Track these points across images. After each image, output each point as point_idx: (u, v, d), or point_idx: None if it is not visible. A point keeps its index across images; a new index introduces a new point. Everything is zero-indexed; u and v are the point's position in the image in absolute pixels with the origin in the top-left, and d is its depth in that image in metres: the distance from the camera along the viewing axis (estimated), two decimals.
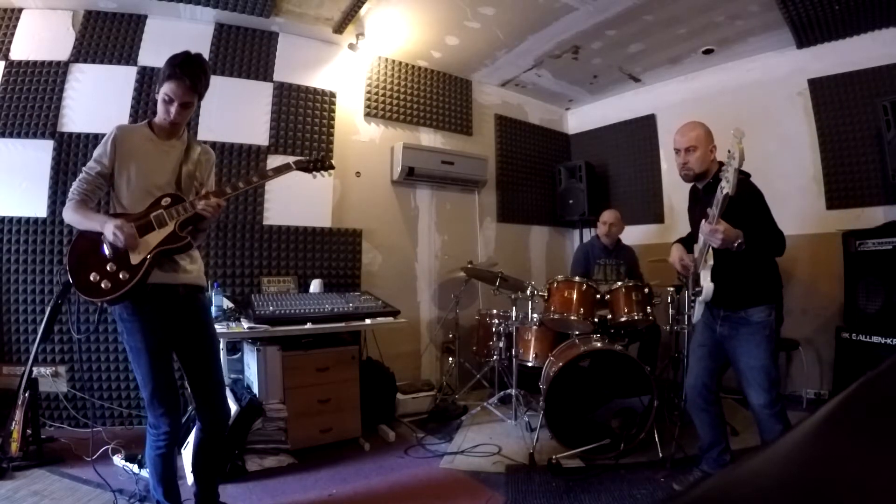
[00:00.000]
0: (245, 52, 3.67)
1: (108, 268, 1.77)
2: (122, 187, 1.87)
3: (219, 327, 2.68)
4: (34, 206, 3.15)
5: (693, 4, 3.40)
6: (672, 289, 3.12)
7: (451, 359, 4.11)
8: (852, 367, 3.17)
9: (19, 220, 3.13)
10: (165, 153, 1.93)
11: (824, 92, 3.73)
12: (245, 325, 2.83)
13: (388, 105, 4.25)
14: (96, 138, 1.88)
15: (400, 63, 4.32)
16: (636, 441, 2.75)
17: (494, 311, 3.77)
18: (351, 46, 3.98)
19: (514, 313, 3.48)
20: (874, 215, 3.47)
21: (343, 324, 3.02)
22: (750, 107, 4.02)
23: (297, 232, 3.75)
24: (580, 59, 4.30)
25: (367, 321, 3.10)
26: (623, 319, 3.07)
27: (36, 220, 3.15)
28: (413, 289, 4.33)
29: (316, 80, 3.91)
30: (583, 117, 5.48)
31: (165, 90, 1.84)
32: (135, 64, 3.39)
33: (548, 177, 5.20)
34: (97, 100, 3.30)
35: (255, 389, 2.79)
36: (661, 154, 4.72)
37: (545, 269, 5.14)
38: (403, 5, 3.49)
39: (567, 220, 5.10)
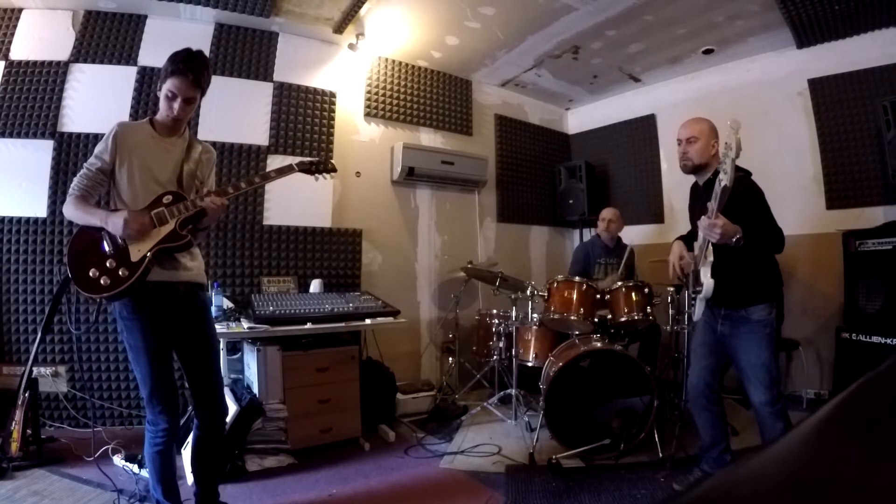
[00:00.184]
0: (245, 52, 3.67)
1: (107, 264, 1.77)
2: (123, 184, 1.87)
3: (219, 327, 2.68)
4: (34, 206, 3.15)
5: (693, 4, 3.40)
6: (672, 289, 3.12)
7: (451, 359, 4.11)
8: (852, 367, 3.17)
9: (19, 220, 3.13)
10: (167, 150, 1.93)
11: (824, 92, 3.73)
12: (245, 325, 2.83)
13: (388, 105, 4.25)
14: (96, 138, 1.88)
15: (400, 63, 4.32)
16: (636, 441, 2.74)
17: (494, 311, 3.77)
18: (351, 46, 3.98)
19: (514, 313, 3.48)
20: (874, 215, 3.47)
21: (343, 324, 3.02)
22: (750, 107, 4.01)
23: (297, 232, 3.75)
24: (580, 59, 4.30)
25: (367, 321, 3.10)
26: (623, 319, 3.08)
27: (36, 220, 3.15)
28: (413, 289, 4.33)
29: (316, 80, 3.91)
30: (583, 117, 5.48)
31: (168, 86, 1.84)
32: (135, 64, 3.39)
33: (548, 177, 5.20)
34: (97, 100, 3.30)
35: (255, 389, 2.79)
36: (662, 154, 4.72)
37: (545, 269, 5.14)
38: (403, 5, 3.49)
39: (567, 220, 5.10)
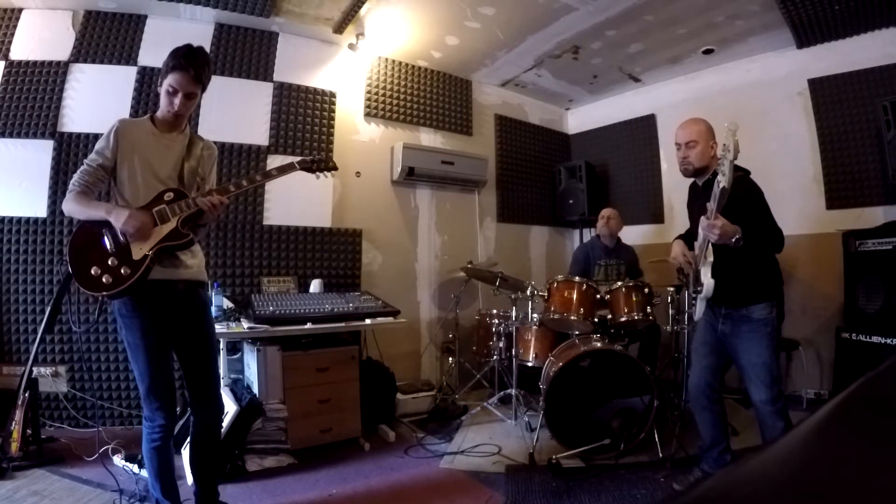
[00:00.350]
0: (245, 52, 3.67)
1: (109, 262, 1.77)
2: (124, 180, 1.86)
3: (219, 327, 2.68)
4: (34, 206, 3.16)
5: (693, 4, 3.40)
6: (672, 289, 3.12)
7: (451, 359, 4.11)
8: (852, 367, 3.17)
9: (19, 220, 3.13)
10: (167, 147, 1.93)
11: (824, 92, 3.73)
12: (245, 325, 2.83)
13: (388, 105, 4.25)
14: (96, 138, 1.87)
15: (400, 63, 4.32)
16: (636, 441, 2.74)
17: (494, 311, 3.77)
18: (351, 46, 3.98)
19: (514, 313, 3.48)
20: (874, 215, 3.47)
21: (343, 324, 3.02)
22: (750, 107, 4.02)
23: (297, 232, 3.75)
24: (580, 59, 4.30)
25: (367, 321, 3.10)
26: (623, 319, 3.07)
27: (36, 220, 3.15)
28: (413, 289, 4.33)
29: (316, 80, 3.91)
30: (583, 117, 5.48)
31: (169, 81, 1.84)
32: (135, 64, 3.39)
33: (548, 177, 5.20)
34: (97, 100, 3.30)
35: (255, 389, 2.79)
36: (661, 154, 4.72)
37: (545, 269, 5.14)
38: (403, 5, 3.49)
39: (567, 220, 5.10)
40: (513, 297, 3.54)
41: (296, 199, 3.71)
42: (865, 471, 0.36)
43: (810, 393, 3.60)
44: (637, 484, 2.44)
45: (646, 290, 3.10)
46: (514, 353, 3.40)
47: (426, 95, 4.46)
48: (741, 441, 2.82)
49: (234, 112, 3.60)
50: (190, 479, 2.17)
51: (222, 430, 2.24)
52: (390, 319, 3.17)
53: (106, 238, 1.78)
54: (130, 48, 3.40)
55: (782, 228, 2.13)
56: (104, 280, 1.75)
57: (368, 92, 4.16)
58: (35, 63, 3.24)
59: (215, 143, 2.14)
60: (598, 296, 3.15)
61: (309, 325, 2.88)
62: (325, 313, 3.00)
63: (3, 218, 3.12)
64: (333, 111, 3.96)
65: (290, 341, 2.88)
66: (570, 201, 4.94)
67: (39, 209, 3.16)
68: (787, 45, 3.83)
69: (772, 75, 4.01)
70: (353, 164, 4.07)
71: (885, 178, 3.37)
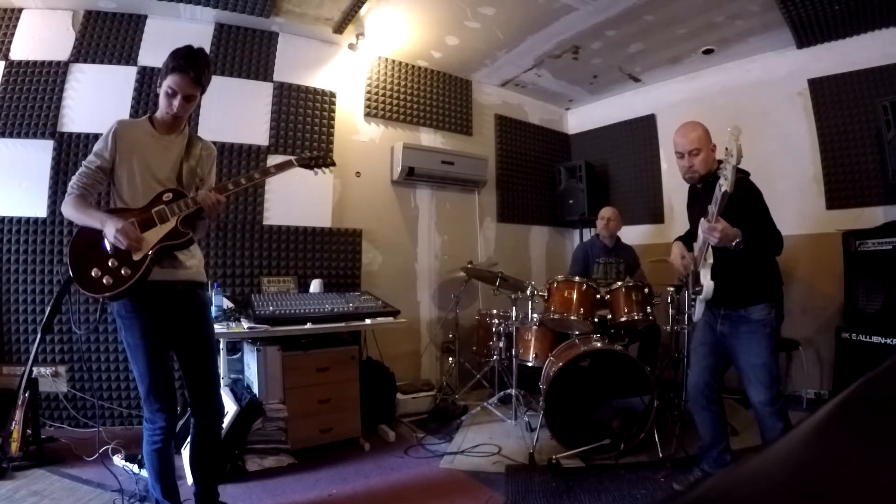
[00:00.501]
0: (245, 52, 3.67)
1: (109, 263, 1.76)
2: (123, 182, 1.86)
3: (219, 327, 2.68)
4: (34, 206, 3.16)
5: (693, 4, 3.40)
6: (672, 289, 3.12)
7: (451, 359, 4.11)
8: (852, 367, 3.17)
9: (19, 220, 3.13)
10: (166, 148, 1.93)
11: (824, 92, 3.73)
12: (245, 325, 2.83)
13: (388, 105, 4.25)
14: (96, 138, 1.87)
15: (400, 63, 4.32)
16: (636, 441, 2.74)
17: (494, 311, 3.77)
18: (351, 46, 3.98)
19: (514, 313, 3.48)
20: (874, 215, 3.47)
21: (343, 324, 3.02)
22: (750, 107, 4.02)
23: (297, 232, 3.75)
24: (580, 59, 4.30)
25: (367, 321, 3.10)
26: (623, 319, 3.07)
27: (36, 220, 3.15)
28: (413, 289, 4.33)
29: (316, 80, 3.91)
30: (583, 117, 5.48)
31: (169, 83, 1.84)
32: (135, 64, 3.39)
33: (548, 177, 5.20)
34: (97, 100, 3.30)
35: (255, 389, 2.79)
36: (661, 154, 4.72)
37: (545, 269, 5.14)
38: (403, 5, 3.49)
39: (567, 220, 5.10)
40: (513, 297, 3.54)
41: (296, 199, 3.71)
42: (865, 471, 0.36)
43: (810, 393, 3.60)
44: (637, 484, 2.44)
45: (646, 290, 3.10)
46: (514, 353, 3.40)
47: (426, 95, 4.46)
48: (741, 441, 2.82)
49: (234, 112, 3.60)
50: (190, 480, 2.17)
51: (222, 430, 2.24)
52: (390, 319, 3.17)
53: (105, 240, 1.78)
54: (130, 48, 3.40)
55: (782, 229, 2.13)
56: (105, 281, 1.75)
57: (368, 92, 4.16)
58: (35, 63, 3.24)
59: (215, 143, 2.14)
60: (598, 296, 3.15)
61: (309, 325, 2.88)
62: (325, 313, 3.00)
63: (3, 218, 3.12)
64: (333, 111, 3.96)
65: (290, 341, 2.88)
66: (570, 201, 4.94)
67: (39, 209, 3.16)
68: (787, 45, 3.83)
69: (772, 75, 4.01)
70: (353, 164, 4.07)
71: (885, 178, 3.37)
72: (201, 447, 2.05)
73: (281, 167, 2.06)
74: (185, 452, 2.50)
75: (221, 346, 2.83)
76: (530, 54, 4.26)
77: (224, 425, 2.37)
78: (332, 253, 3.87)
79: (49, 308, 2.64)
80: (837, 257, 3.45)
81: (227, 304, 3.04)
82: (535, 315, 3.38)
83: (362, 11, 3.52)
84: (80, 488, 2.33)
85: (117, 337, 3.08)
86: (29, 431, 2.55)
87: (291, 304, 3.03)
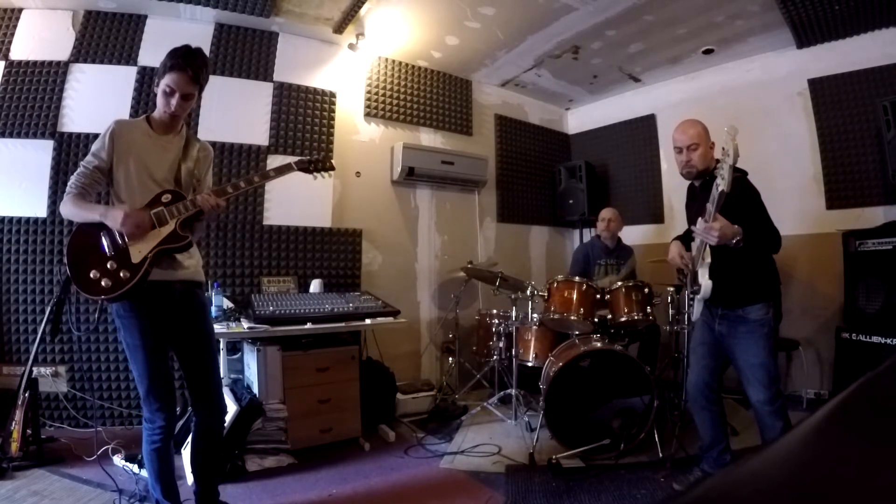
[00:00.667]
0: (245, 52, 3.67)
1: (108, 265, 1.76)
2: (121, 182, 1.86)
3: (219, 327, 2.68)
4: (34, 206, 3.16)
5: (693, 4, 3.40)
6: (672, 289, 3.12)
7: (451, 359, 4.11)
8: (852, 367, 3.17)
9: (19, 220, 3.13)
10: (163, 148, 1.93)
11: (824, 92, 3.73)
12: (245, 325, 2.83)
13: (388, 105, 4.25)
14: (96, 138, 1.88)
15: (400, 63, 4.32)
16: (636, 441, 2.74)
17: (494, 311, 3.77)
18: (351, 46, 3.98)
19: (514, 313, 3.48)
20: (874, 215, 3.47)
21: (343, 324, 3.02)
22: (750, 107, 4.02)
23: (297, 232, 3.75)
24: (580, 59, 4.30)
25: (367, 321, 3.10)
26: (623, 319, 3.07)
27: (36, 220, 3.15)
28: (413, 289, 4.33)
29: (316, 80, 3.91)
30: (583, 117, 5.48)
31: (167, 81, 1.83)
32: (135, 64, 3.39)
33: (548, 177, 5.20)
34: (97, 100, 3.30)
35: (255, 389, 2.79)
36: (661, 154, 4.72)
37: (545, 269, 5.14)
38: (403, 5, 3.49)
39: (567, 220, 5.10)
40: (513, 297, 3.54)
41: (296, 200, 3.71)
42: (865, 471, 0.36)
43: (810, 393, 3.60)
44: (637, 484, 2.44)
45: (646, 290, 3.10)
46: (514, 353, 3.40)
47: (426, 95, 4.46)
48: (741, 441, 2.82)
49: (234, 112, 3.60)
50: (190, 479, 2.17)
51: (224, 429, 2.24)
52: (390, 319, 3.17)
53: (104, 241, 1.78)
54: (130, 48, 3.40)
55: (782, 229, 2.13)
56: (104, 284, 1.75)
57: (368, 92, 4.16)
58: (35, 63, 3.24)
59: (215, 143, 2.15)
60: (598, 296, 3.15)
61: (309, 325, 2.88)
62: (325, 313, 3.00)
63: (3, 218, 3.12)
64: (333, 111, 3.96)
65: (290, 341, 2.88)
66: (570, 201, 4.94)
67: (39, 209, 3.16)
68: (787, 45, 3.83)
69: (772, 75, 4.01)
70: (353, 164, 4.07)
71: (885, 178, 3.37)
72: (202, 447, 2.05)
73: (280, 171, 2.06)
74: (185, 452, 2.50)
75: (221, 346, 2.84)
76: (530, 54, 4.26)
77: (224, 425, 2.37)
78: (332, 253, 3.87)
79: (52, 312, 2.64)
80: (837, 257, 3.45)
81: (227, 304, 3.04)
82: (535, 315, 3.38)
83: (362, 11, 3.51)
84: (80, 488, 2.34)
85: (117, 337, 3.08)
86: (29, 431, 2.55)
87: (291, 304, 3.03)
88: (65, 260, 1.83)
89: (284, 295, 3.32)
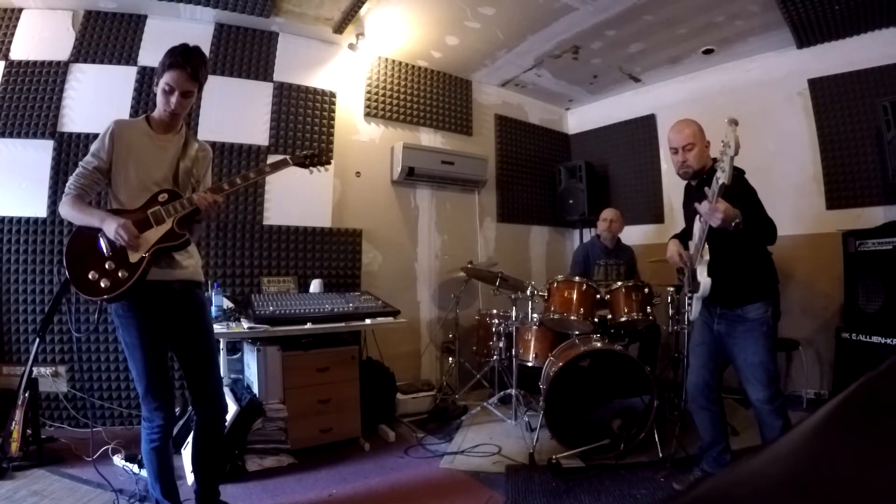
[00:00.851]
0: (245, 52, 3.67)
1: (106, 266, 1.76)
2: (120, 182, 1.86)
3: (219, 327, 2.68)
4: (34, 206, 3.16)
5: (693, 4, 3.40)
6: (672, 289, 3.12)
7: (451, 359, 4.11)
8: (852, 367, 3.17)
9: (19, 220, 3.13)
10: (162, 148, 1.93)
11: (824, 92, 3.73)
12: (245, 325, 2.83)
13: (388, 105, 4.25)
14: (96, 138, 1.88)
15: (400, 63, 4.32)
16: (636, 441, 2.74)
17: (494, 311, 3.77)
18: (351, 46, 3.98)
19: (514, 313, 3.48)
20: (874, 215, 3.47)
21: (343, 324, 3.02)
22: (750, 107, 4.01)
23: (297, 232, 3.75)
24: (580, 59, 4.30)
25: (367, 321, 3.10)
26: (623, 319, 3.07)
27: (36, 220, 3.15)
28: (413, 289, 4.33)
29: (316, 80, 3.91)
30: (583, 117, 5.48)
31: (166, 80, 1.84)
32: (135, 64, 3.39)
33: (548, 177, 5.20)
34: (97, 100, 3.30)
35: (255, 389, 2.79)
36: (661, 154, 4.72)
37: (545, 269, 5.14)
38: (403, 5, 3.49)
39: (567, 220, 5.10)
40: (513, 297, 3.54)
41: (296, 199, 3.71)
42: (865, 471, 0.36)
43: (810, 393, 3.60)
44: (637, 484, 2.44)
45: (646, 290, 3.10)
46: (514, 353, 3.40)
47: (426, 95, 4.46)
48: (741, 441, 2.82)
49: (234, 112, 3.59)
50: (190, 479, 2.17)
51: (225, 428, 2.24)
52: (390, 319, 3.17)
53: (102, 241, 1.78)
54: (130, 48, 3.40)
55: (781, 229, 2.13)
56: (102, 284, 1.75)
57: (368, 92, 4.16)
58: (35, 63, 3.24)
59: (215, 143, 2.15)
60: (598, 296, 3.15)
61: (309, 325, 2.88)
62: (325, 313, 3.00)
63: (3, 218, 3.12)
64: (333, 111, 3.96)
65: (290, 341, 2.88)
66: (570, 201, 4.95)
67: (39, 209, 3.16)
68: (787, 45, 3.83)
69: (772, 75, 4.01)
70: (353, 164, 4.07)
71: (885, 178, 3.37)
72: (203, 446, 2.05)
73: (276, 166, 2.07)
74: (186, 452, 2.50)
75: (221, 346, 2.83)
76: (530, 54, 4.26)
77: (225, 424, 2.36)
78: (332, 253, 3.86)
79: (47, 310, 2.65)
80: (837, 257, 3.44)
81: (227, 304, 3.04)
82: (535, 315, 3.38)
83: (362, 11, 3.52)
84: (80, 488, 2.34)
85: (117, 337, 3.08)
86: (29, 431, 2.55)
87: (291, 304, 3.03)
88: (63, 262, 1.83)
89: (284, 295, 3.32)
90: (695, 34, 3.83)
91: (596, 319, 3.13)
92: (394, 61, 4.29)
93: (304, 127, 3.82)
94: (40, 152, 3.18)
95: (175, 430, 2.58)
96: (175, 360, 2.08)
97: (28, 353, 2.75)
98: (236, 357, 3.12)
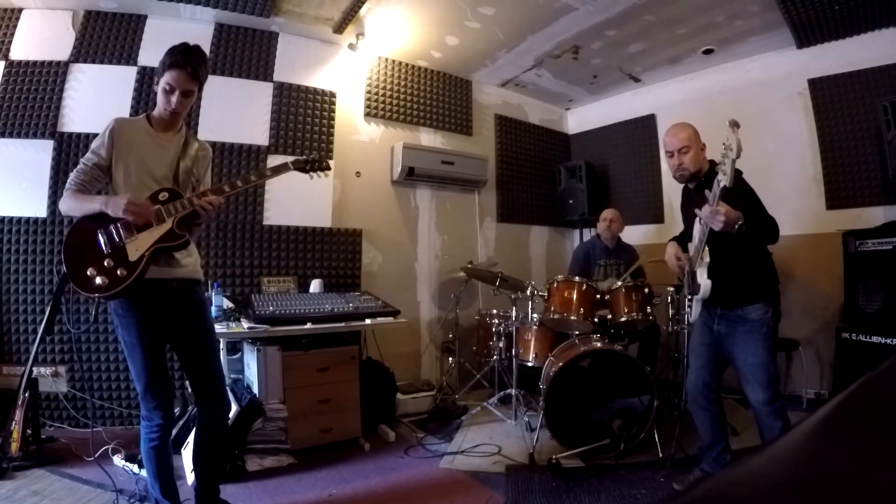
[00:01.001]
0: (245, 52, 3.67)
1: (105, 263, 1.76)
2: (120, 180, 1.86)
3: (219, 327, 2.68)
4: (34, 206, 3.16)
5: (693, 4, 3.40)
6: (672, 289, 3.12)
7: (451, 359, 4.11)
8: (852, 367, 3.16)
9: (19, 220, 3.13)
10: (163, 146, 1.93)
11: (824, 92, 3.73)
12: (245, 325, 2.83)
13: (388, 105, 4.25)
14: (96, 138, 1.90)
15: (400, 63, 4.32)
16: (636, 441, 2.74)
17: (494, 311, 3.77)
18: (351, 46, 3.98)
19: (514, 313, 3.48)
20: (874, 215, 3.47)
21: (343, 324, 3.02)
22: (750, 107, 4.01)
23: (297, 232, 3.75)
24: (580, 59, 4.30)
25: (367, 321, 3.10)
26: (623, 319, 3.08)
27: (36, 220, 3.15)
28: (413, 289, 4.33)
29: (316, 80, 3.91)
30: (583, 117, 5.48)
31: (166, 79, 1.84)
32: (135, 64, 3.39)
33: (548, 177, 5.20)
34: (97, 100, 3.30)
35: (255, 389, 2.79)
36: (661, 154, 4.68)
37: (545, 269, 5.14)
38: (403, 5, 3.49)
39: (567, 220, 5.10)
40: (513, 297, 3.54)
41: (296, 199, 3.71)
42: (865, 471, 0.36)
43: (810, 393, 3.60)
44: (637, 484, 2.44)
45: (646, 290, 3.10)
46: (514, 353, 3.40)
47: (426, 95, 4.46)
48: (741, 441, 2.82)
49: (234, 112, 3.59)
50: (190, 479, 2.17)
51: (227, 427, 2.23)
52: (390, 319, 3.17)
53: (101, 238, 1.77)
54: (130, 48, 3.40)
55: (782, 229, 2.12)
56: (100, 282, 1.74)
57: (368, 92, 4.16)
58: (35, 63, 3.24)
59: (215, 143, 2.15)
60: (598, 296, 3.15)
61: (309, 325, 2.88)
62: (325, 313, 3.00)
63: (3, 218, 3.12)
64: (333, 111, 3.96)
65: (290, 341, 2.88)
66: (570, 201, 4.95)
67: (39, 209, 3.16)
68: (787, 45, 3.83)
69: (772, 75, 4.01)
70: (353, 164, 4.07)
71: (885, 178, 3.37)
72: (206, 443, 2.05)
73: (277, 170, 2.07)
74: (186, 452, 2.50)
75: (221, 346, 2.83)
76: (530, 54, 4.26)
77: (228, 422, 2.36)
78: (332, 253, 3.86)
79: (48, 309, 2.64)
80: (837, 257, 3.44)
81: (227, 304, 3.04)
82: (535, 315, 3.38)
83: (362, 11, 3.52)
84: (80, 488, 2.34)
85: (117, 337, 3.08)
86: (29, 431, 2.55)
87: (291, 304, 3.03)
88: (61, 257, 1.83)
89: (284, 295, 3.32)
90: (695, 34, 3.83)
91: (596, 319, 3.13)
92: (394, 61, 4.29)
93: (304, 127, 3.82)
94: (40, 152, 3.18)
95: (175, 431, 2.59)
96: (175, 359, 2.08)
97: (28, 353, 2.76)
98: (236, 357, 3.12)
